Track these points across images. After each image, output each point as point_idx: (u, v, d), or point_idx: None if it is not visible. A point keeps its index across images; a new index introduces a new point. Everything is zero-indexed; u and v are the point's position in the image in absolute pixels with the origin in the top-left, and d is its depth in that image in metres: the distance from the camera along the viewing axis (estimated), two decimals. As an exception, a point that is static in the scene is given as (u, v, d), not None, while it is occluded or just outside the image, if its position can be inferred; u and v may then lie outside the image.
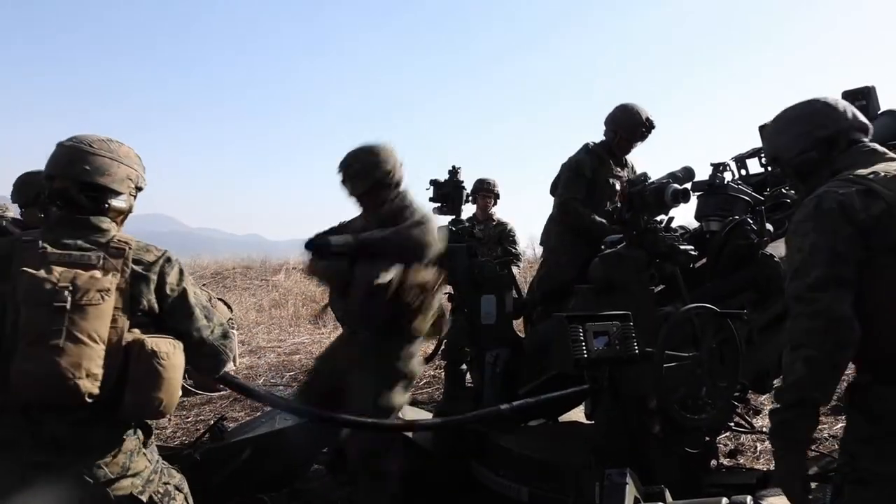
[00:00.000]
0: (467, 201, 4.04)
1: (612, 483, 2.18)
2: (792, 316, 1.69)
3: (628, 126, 4.05)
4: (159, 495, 1.96)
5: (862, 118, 1.89)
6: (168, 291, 1.95)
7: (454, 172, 3.87)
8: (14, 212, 5.80)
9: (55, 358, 1.70)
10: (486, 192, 5.60)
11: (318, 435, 3.23)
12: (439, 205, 3.91)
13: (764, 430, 4.05)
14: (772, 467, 3.51)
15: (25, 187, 3.37)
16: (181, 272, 2.00)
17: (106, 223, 1.93)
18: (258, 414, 4.09)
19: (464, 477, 3.07)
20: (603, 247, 3.07)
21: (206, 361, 2.07)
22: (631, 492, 2.16)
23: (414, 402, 5.11)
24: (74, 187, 1.91)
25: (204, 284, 11.82)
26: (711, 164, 3.70)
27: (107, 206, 1.95)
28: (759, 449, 3.85)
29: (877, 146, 1.85)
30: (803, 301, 1.65)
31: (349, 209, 5.07)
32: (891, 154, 1.82)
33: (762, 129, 4.53)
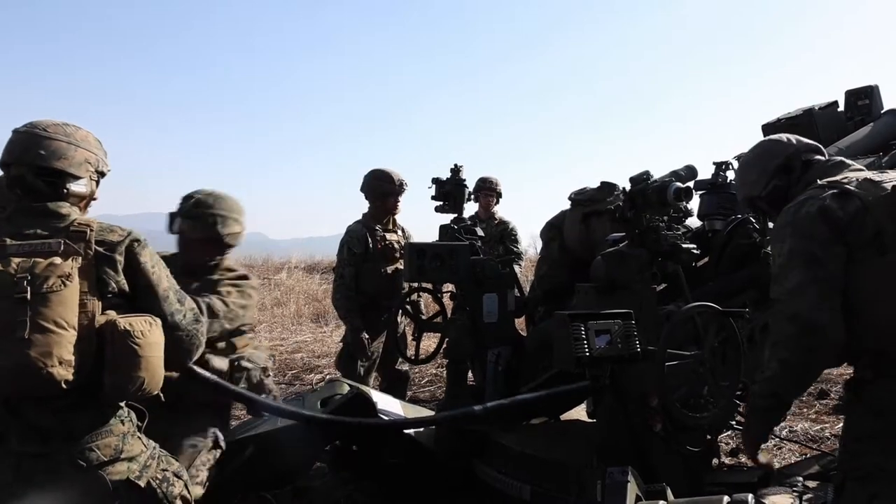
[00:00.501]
0: (469, 199, 4.04)
1: (614, 481, 2.19)
2: (773, 316, 1.80)
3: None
4: (157, 481, 1.93)
5: (808, 141, 2.05)
6: (142, 272, 1.91)
7: (456, 171, 3.87)
8: None
9: (24, 350, 1.68)
10: (488, 190, 5.60)
11: (320, 433, 3.24)
12: (442, 203, 3.91)
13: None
14: (774, 466, 3.51)
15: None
16: (153, 253, 1.97)
17: (65, 208, 1.89)
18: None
19: (465, 475, 3.07)
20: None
21: (178, 346, 2.01)
22: (632, 490, 2.16)
23: (416, 401, 5.12)
24: (31, 173, 1.86)
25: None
26: (714, 163, 3.70)
27: (66, 190, 1.90)
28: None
29: (842, 159, 1.99)
30: (781, 304, 1.75)
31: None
32: (856, 165, 1.95)
33: (765, 127, 4.54)
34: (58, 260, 1.77)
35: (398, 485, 3.37)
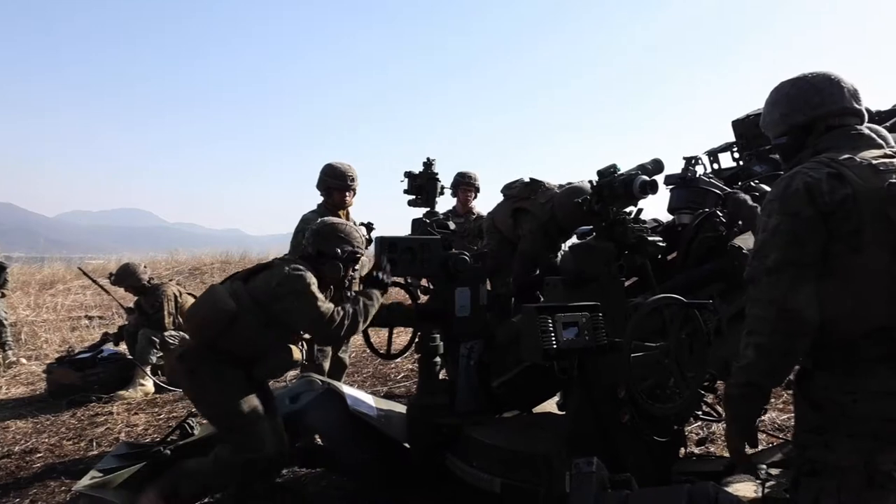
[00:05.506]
0: (442, 193, 4.03)
1: (580, 472, 2.20)
2: (750, 299, 1.71)
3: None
4: None
5: (856, 105, 1.82)
6: None
7: (429, 164, 3.86)
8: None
9: None
10: (466, 185, 5.60)
11: (290, 430, 3.23)
12: (414, 197, 3.90)
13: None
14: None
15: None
16: None
17: None
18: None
19: (437, 468, 3.07)
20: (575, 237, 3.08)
21: None
22: (598, 480, 2.18)
23: (391, 396, 5.11)
24: None
25: (181, 280, 11.65)
26: (684, 158, 3.73)
27: None
28: (729, 438, 3.89)
29: (864, 131, 1.80)
30: (760, 285, 1.68)
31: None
32: (878, 140, 1.77)
33: (735, 123, 4.59)
34: None
35: (371, 479, 3.36)
